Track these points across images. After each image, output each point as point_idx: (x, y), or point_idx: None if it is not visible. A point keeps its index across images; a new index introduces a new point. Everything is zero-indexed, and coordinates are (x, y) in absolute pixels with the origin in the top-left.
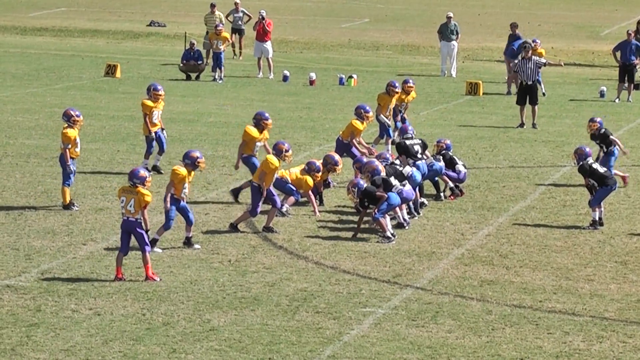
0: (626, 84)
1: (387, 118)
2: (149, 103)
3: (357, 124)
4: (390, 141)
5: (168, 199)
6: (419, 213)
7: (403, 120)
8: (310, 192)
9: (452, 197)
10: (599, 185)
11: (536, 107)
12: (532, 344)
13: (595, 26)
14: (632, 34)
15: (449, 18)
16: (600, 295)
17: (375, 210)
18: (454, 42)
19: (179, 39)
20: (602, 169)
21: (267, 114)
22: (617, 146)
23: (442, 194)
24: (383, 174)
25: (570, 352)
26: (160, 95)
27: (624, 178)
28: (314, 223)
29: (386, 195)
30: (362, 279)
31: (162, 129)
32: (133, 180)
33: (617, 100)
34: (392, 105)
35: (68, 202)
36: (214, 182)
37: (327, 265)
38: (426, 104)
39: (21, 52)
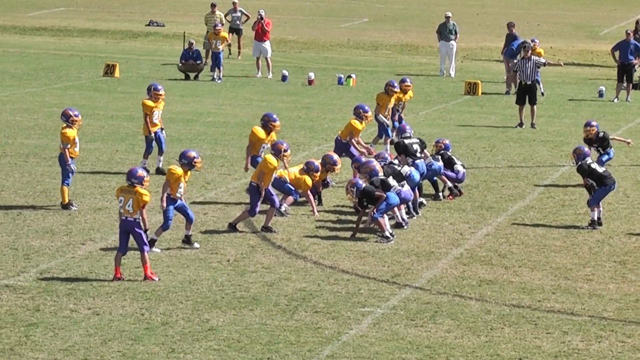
0: (625, 84)
1: (386, 118)
2: (150, 103)
3: (356, 123)
4: (389, 141)
5: (164, 199)
6: (417, 213)
7: (400, 119)
8: (309, 191)
9: (450, 197)
10: (598, 185)
11: (535, 106)
12: (530, 344)
13: (594, 26)
14: (631, 34)
15: (447, 18)
16: (599, 295)
17: (374, 210)
18: (452, 42)
19: (178, 39)
20: (600, 169)
21: (274, 116)
22: (612, 148)
23: (440, 194)
24: (381, 174)
25: (569, 352)
26: (160, 95)
27: (627, 142)
28: (312, 223)
29: (385, 195)
30: (361, 279)
31: (162, 129)
32: (131, 180)
33: (615, 100)
34: (391, 105)
35: (67, 201)
36: (213, 182)
37: (326, 265)
38: (425, 103)
39: (20, 52)
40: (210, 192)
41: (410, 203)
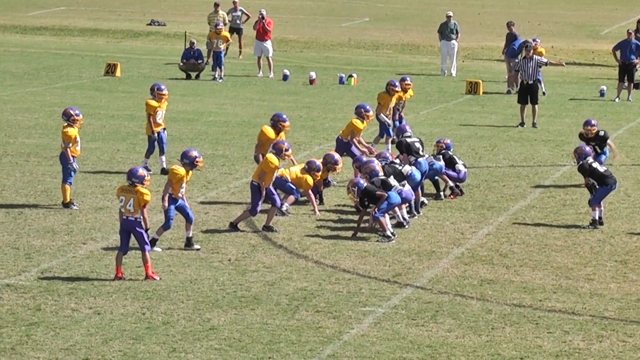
0: (626, 83)
1: (387, 117)
2: (153, 103)
3: (358, 123)
4: (390, 140)
5: (166, 199)
6: (419, 212)
7: (400, 118)
8: (310, 191)
9: (452, 197)
10: (599, 185)
11: (536, 106)
12: (532, 343)
13: (595, 25)
14: (632, 33)
15: (448, 17)
16: (600, 295)
17: (376, 210)
18: (453, 42)
19: (179, 38)
20: (601, 168)
21: (284, 116)
22: (609, 148)
23: (442, 193)
24: (381, 174)
25: (570, 352)
26: (164, 95)
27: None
28: (313, 222)
29: (386, 195)
30: (362, 278)
31: (164, 129)
32: (132, 180)
33: (617, 100)
34: (392, 105)
35: (68, 200)
36: (214, 181)
37: (327, 264)
38: (426, 103)
39: (21, 51)
40: (211, 191)
41: (412, 202)
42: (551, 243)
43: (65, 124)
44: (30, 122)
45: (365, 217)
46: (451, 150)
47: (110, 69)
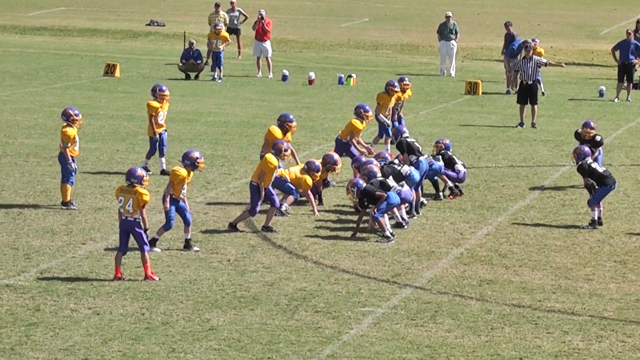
0: (625, 84)
1: (386, 117)
2: (155, 104)
3: (357, 123)
4: (389, 140)
5: (168, 200)
6: (418, 212)
7: (399, 118)
8: (309, 191)
9: (451, 197)
10: (598, 185)
11: (536, 106)
12: (531, 344)
13: (594, 25)
14: (632, 34)
15: (448, 17)
16: (600, 295)
17: (375, 210)
18: (453, 42)
19: (178, 39)
20: (601, 169)
21: (291, 116)
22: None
23: (441, 194)
24: (379, 176)
25: (569, 352)
26: (165, 96)
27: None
28: (313, 222)
29: (386, 195)
30: (361, 279)
31: (165, 130)
32: (131, 180)
33: (616, 100)
34: (391, 105)
35: (68, 199)
36: (213, 182)
37: (327, 264)
38: (425, 103)
39: (20, 52)
40: (210, 191)
41: (411, 203)
42: (550, 243)
43: (65, 123)
44: (30, 122)
45: (364, 218)
46: (450, 150)
47: (110, 69)
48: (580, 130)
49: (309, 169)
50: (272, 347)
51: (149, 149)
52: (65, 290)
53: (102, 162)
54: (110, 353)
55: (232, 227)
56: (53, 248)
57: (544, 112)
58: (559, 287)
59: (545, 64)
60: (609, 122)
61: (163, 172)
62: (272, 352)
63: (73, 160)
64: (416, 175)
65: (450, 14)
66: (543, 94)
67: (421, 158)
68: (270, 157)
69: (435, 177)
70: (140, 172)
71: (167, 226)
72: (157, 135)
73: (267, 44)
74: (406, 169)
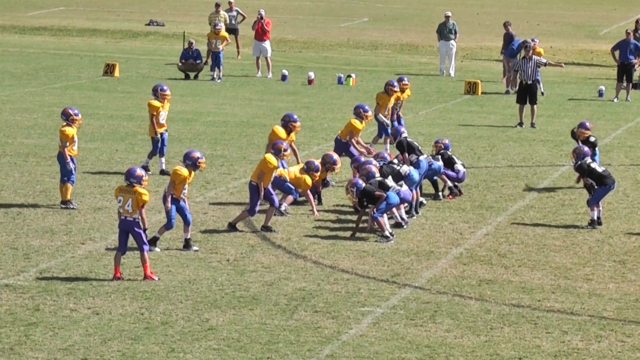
0: (625, 84)
1: (385, 117)
2: (156, 103)
3: (356, 123)
4: (389, 140)
5: (169, 199)
6: (417, 212)
7: (398, 118)
8: (308, 191)
9: (450, 197)
10: (598, 185)
11: (535, 106)
12: (530, 343)
13: (594, 25)
14: (631, 33)
15: (447, 17)
16: (599, 295)
17: (374, 210)
18: (452, 42)
19: (178, 38)
20: (600, 168)
21: (295, 116)
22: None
23: (440, 194)
24: (377, 176)
25: (568, 352)
26: (166, 95)
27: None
28: (312, 222)
29: (385, 195)
30: (361, 279)
31: (166, 130)
32: (130, 180)
33: (615, 100)
34: (390, 105)
35: (68, 198)
36: (213, 182)
37: (326, 264)
38: (425, 103)
39: (20, 52)
40: (210, 191)
41: (411, 202)
42: (550, 243)
43: (64, 123)
44: (29, 122)
45: (364, 218)
46: (450, 150)
47: (109, 69)
48: (575, 129)
49: (308, 168)
50: (272, 347)
51: (152, 149)
52: (64, 290)
53: (102, 162)
54: (110, 353)
55: (232, 227)
56: (52, 248)
57: (544, 112)
58: (558, 287)
59: (545, 64)
60: (609, 122)
61: (162, 172)
62: (272, 352)
63: (72, 160)
64: (415, 175)
65: (449, 13)
66: (542, 93)
67: (421, 158)
68: (269, 157)
69: (435, 177)
70: (139, 172)
71: (168, 225)
72: (159, 135)
73: (267, 44)
74: (405, 168)
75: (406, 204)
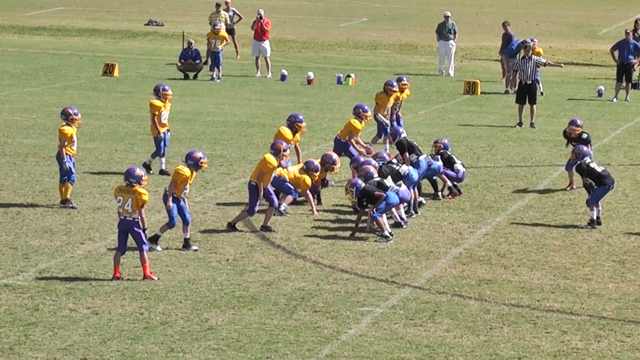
0: (624, 83)
1: (385, 117)
2: (158, 103)
3: (356, 123)
4: (388, 140)
5: (170, 199)
6: (417, 212)
7: (398, 118)
8: (308, 191)
9: (450, 197)
10: (597, 185)
11: (535, 106)
12: (530, 343)
13: (593, 25)
14: (630, 33)
15: (446, 17)
16: (598, 295)
17: (374, 210)
18: (451, 42)
19: (177, 38)
20: (599, 168)
21: (301, 117)
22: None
23: (439, 193)
24: (376, 176)
25: (568, 351)
26: (168, 95)
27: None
28: (311, 222)
29: (385, 195)
30: (360, 278)
31: (168, 130)
32: (129, 180)
33: (615, 100)
34: (390, 105)
35: (67, 198)
36: (212, 181)
37: (325, 264)
38: (424, 103)
39: (19, 52)
40: (209, 191)
41: (410, 202)
42: (549, 243)
43: (64, 122)
44: (28, 122)
45: (363, 217)
46: (449, 150)
47: (108, 69)
48: (567, 128)
49: (307, 168)
50: (271, 347)
51: (155, 149)
52: (64, 290)
53: (101, 162)
54: (109, 353)
55: (231, 227)
56: (52, 248)
57: (543, 112)
58: (558, 287)
59: (545, 64)
60: (608, 122)
61: (162, 172)
62: (271, 352)
63: (71, 159)
64: (415, 175)
65: (449, 13)
66: (542, 93)
67: (420, 158)
68: (269, 157)
69: (434, 177)
70: (138, 171)
71: (170, 224)
72: (162, 135)
73: (266, 44)
74: (404, 168)
75: (405, 204)
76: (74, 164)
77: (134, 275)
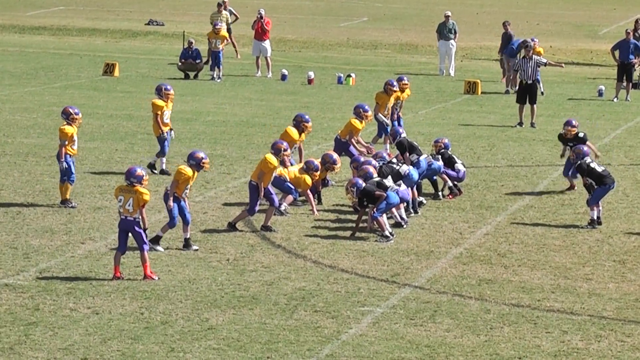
0: (625, 83)
1: (385, 117)
2: (160, 103)
3: (356, 123)
4: (388, 140)
5: (171, 198)
6: (417, 212)
7: (398, 118)
8: (308, 191)
9: (450, 196)
10: (597, 184)
11: (535, 106)
12: (530, 343)
13: (593, 25)
14: (631, 33)
15: (447, 17)
16: (599, 294)
17: (374, 210)
18: (452, 41)
19: (178, 38)
20: (599, 168)
21: (307, 116)
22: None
23: (440, 193)
24: (375, 176)
25: (568, 351)
26: (170, 94)
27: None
28: (312, 222)
29: (385, 195)
30: (361, 278)
31: (171, 129)
32: (130, 180)
33: (615, 100)
34: (390, 104)
35: (67, 198)
36: (212, 181)
37: (326, 264)
38: (424, 103)
39: (19, 51)
40: (209, 191)
41: (409, 201)
42: (549, 243)
43: (65, 122)
44: (29, 121)
45: (364, 217)
46: (450, 149)
47: (109, 69)
48: (562, 130)
49: (308, 168)
50: (271, 347)
51: (160, 148)
52: (64, 290)
53: (101, 162)
54: (110, 352)
55: (231, 227)
56: (52, 247)
57: (543, 112)
58: (558, 287)
59: (545, 64)
60: (608, 121)
61: (162, 172)
62: (271, 352)
63: (70, 159)
64: (415, 174)
65: (449, 13)
66: (542, 93)
67: (421, 158)
68: (269, 156)
69: (435, 177)
70: (139, 171)
71: (171, 224)
72: (165, 134)
73: (267, 44)
74: (405, 168)
75: (404, 204)
76: (73, 163)
77: (135, 275)
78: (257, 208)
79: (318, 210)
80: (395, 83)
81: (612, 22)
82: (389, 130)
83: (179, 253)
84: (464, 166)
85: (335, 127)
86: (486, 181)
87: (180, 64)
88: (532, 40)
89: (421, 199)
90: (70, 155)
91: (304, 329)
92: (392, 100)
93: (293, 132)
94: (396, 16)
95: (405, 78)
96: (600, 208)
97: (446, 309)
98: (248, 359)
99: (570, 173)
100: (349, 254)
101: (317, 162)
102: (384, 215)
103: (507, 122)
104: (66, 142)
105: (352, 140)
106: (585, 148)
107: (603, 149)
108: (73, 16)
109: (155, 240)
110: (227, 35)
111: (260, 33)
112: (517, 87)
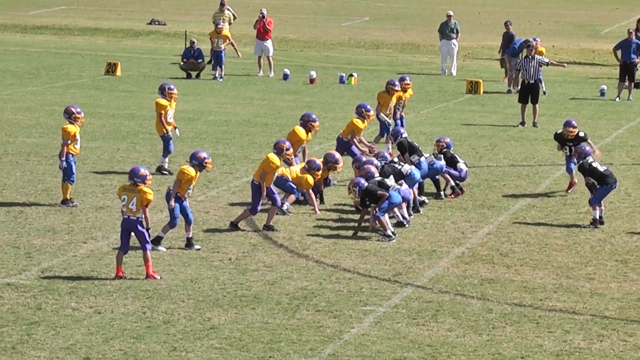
0: (627, 83)
1: (387, 117)
2: (164, 102)
3: (358, 122)
4: (390, 140)
5: (173, 198)
6: (418, 211)
7: (401, 118)
8: (310, 190)
9: (452, 196)
10: (599, 184)
11: (537, 105)
12: (532, 343)
13: (595, 25)
14: (633, 33)
15: (449, 17)
16: (601, 294)
17: (376, 209)
18: (454, 41)
19: (179, 38)
20: (601, 168)
21: (314, 116)
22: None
23: (442, 193)
24: (377, 176)
25: (570, 351)
26: (174, 94)
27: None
28: (314, 221)
29: (387, 194)
30: (363, 278)
31: (175, 128)
32: (134, 179)
33: (617, 99)
34: (392, 104)
35: (67, 197)
36: (214, 181)
37: (328, 263)
38: (426, 102)
39: (21, 51)
40: (211, 190)
41: (411, 201)
42: (552, 242)
43: (67, 122)
44: (31, 121)
45: (366, 217)
46: (452, 149)
47: (111, 68)
48: (561, 131)
49: (310, 167)
50: (274, 346)
51: (164, 147)
52: (66, 289)
53: (103, 161)
54: (112, 352)
55: (234, 226)
56: (54, 247)
57: (545, 112)
58: (560, 286)
59: (547, 64)
60: (610, 121)
61: (159, 168)
62: (274, 351)
63: (72, 158)
64: (417, 174)
65: (451, 13)
66: (544, 93)
67: (422, 159)
68: (272, 156)
69: (437, 176)
70: (143, 171)
71: (172, 224)
72: (169, 133)
73: (269, 43)
74: (407, 167)
75: (406, 203)
76: (75, 162)
77: (137, 274)
78: (260, 207)
79: (320, 210)
80: (396, 82)
81: (614, 22)
82: (390, 129)
83: (181, 252)
84: (466, 166)
85: (337, 127)
86: (488, 181)
87: (182, 63)
88: (534, 39)
89: (423, 198)
90: (72, 155)
91: (306, 329)
92: (394, 99)
93: (301, 131)
94: (398, 16)
95: (407, 78)
96: (603, 208)
97: (448, 309)
98: (250, 359)
99: (572, 169)
100: (351, 253)
101: (319, 161)
102: (386, 214)
103: (509, 121)
104: (69, 142)
105: (354, 139)
106: (587, 147)
107: (605, 149)
108: (75, 16)
109: (157, 241)
110: (229, 34)
111: (262, 32)
112: (519, 87)
